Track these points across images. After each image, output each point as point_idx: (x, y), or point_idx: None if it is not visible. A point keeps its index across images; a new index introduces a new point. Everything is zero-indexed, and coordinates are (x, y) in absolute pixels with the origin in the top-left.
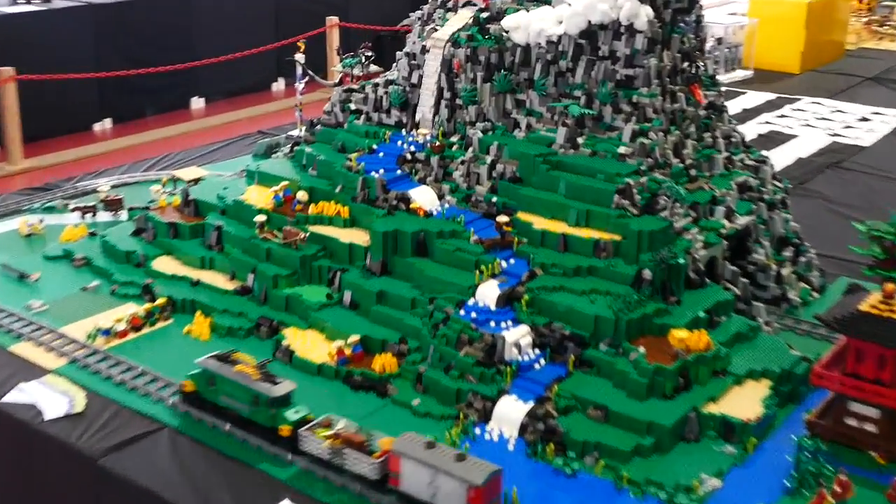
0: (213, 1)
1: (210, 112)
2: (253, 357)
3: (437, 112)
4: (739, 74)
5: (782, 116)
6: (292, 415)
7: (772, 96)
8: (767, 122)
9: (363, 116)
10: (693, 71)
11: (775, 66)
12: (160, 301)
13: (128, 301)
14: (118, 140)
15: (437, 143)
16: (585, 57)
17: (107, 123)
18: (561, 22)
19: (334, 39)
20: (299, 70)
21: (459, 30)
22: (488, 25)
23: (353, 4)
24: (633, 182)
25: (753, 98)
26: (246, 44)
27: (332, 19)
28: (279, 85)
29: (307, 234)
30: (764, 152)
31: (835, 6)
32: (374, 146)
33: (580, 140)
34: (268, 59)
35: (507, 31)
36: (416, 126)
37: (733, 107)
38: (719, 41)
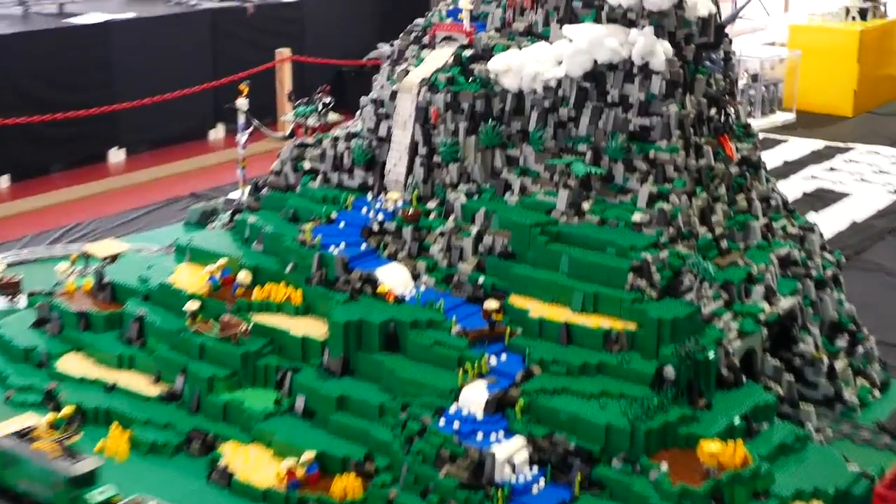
0: (136, 30)
1: (132, 167)
2: (57, 431)
3: (410, 172)
4: (779, 118)
5: (832, 170)
6: (96, 496)
7: (819, 145)
8: (814, 178)
9: (320, 177)
10: (722, 119)
11: (823, 108)
12: (66, 411)
13: (26, 410)
14: (16, 203)
15: (411, 211)
16: (591, 103)
17: (2, 182)
18: (560, 62)
19: (286, 77)
20: (241, 119)
21: (437, 71)
22: (472, 66)
23: (310, 33)
24: (651, 257)
25: (797, 147)
26: (177, 82)
27: (283, 52)
28: (217, 133)
29: (250, 326)
30: (811, 216)
31: (893, 34)
32: (334, 214)
33: (586, 206)
34: (203, 102)
35: (495, 74)
36: (385, 189)
37: (772, 159)
38: (754, 78)
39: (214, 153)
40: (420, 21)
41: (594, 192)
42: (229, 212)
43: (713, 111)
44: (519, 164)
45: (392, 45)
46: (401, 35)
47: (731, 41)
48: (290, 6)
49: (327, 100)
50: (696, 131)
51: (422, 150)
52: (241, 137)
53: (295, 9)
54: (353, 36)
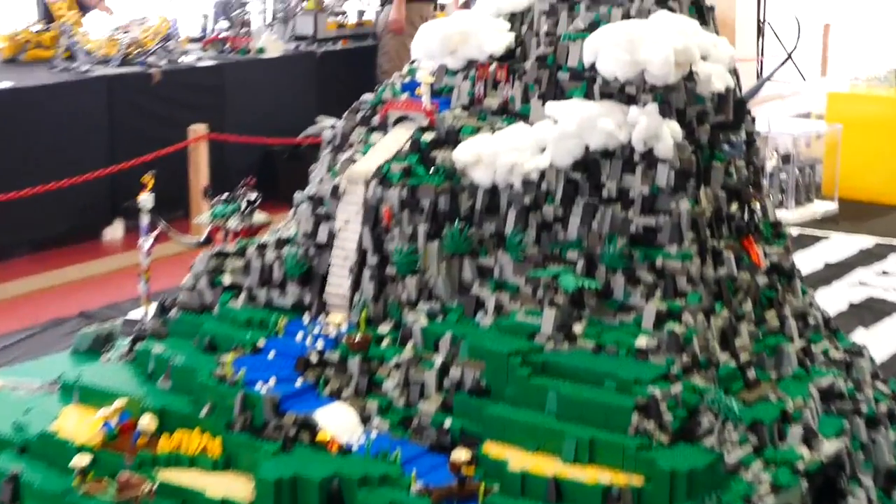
0: (11, 103)
1: (3, 276)
2: None
3: (357, 287)
4: (818, 209)
5: (885, 274)
6: None
7: (868, 242)
8: (862, 284)
9: (243, 295)
10: (746, 216)
11: (872, 195)
12: None
13: None
14: None
15: (358, 337)
16: (582, 199)
17: None
18: (544, 149)
19: (201, 160)
20: (145, 219)
21: (391, 160)
22: (434, 153)
23: (232, 104)
24: (660, 393)
25: (841, 246)
26: (64, 167)
27: (199, 128)
28: (115, 232)
29: (155, 485)
30: (859, 334)
31: None
32: (261, 342)
33: (578, 328)
34: (97, 192)
35: (462, 164)
36: (326, 309)
37: (811, 261)
38: (786, 159)
39: (110, 258)
40: (368, 97)
41: (588, 310)
42: (129, 338)
43: (734, 207)
44: (493, 277)
45: (334, 127)
46: (345, 114)
47: (754, 119)
48: (208, 70)
49: (253, 196)
50: (714, 233)
51: (371, 259)
52: (145, 242)
53: (213, 74)
54: (286, 107)
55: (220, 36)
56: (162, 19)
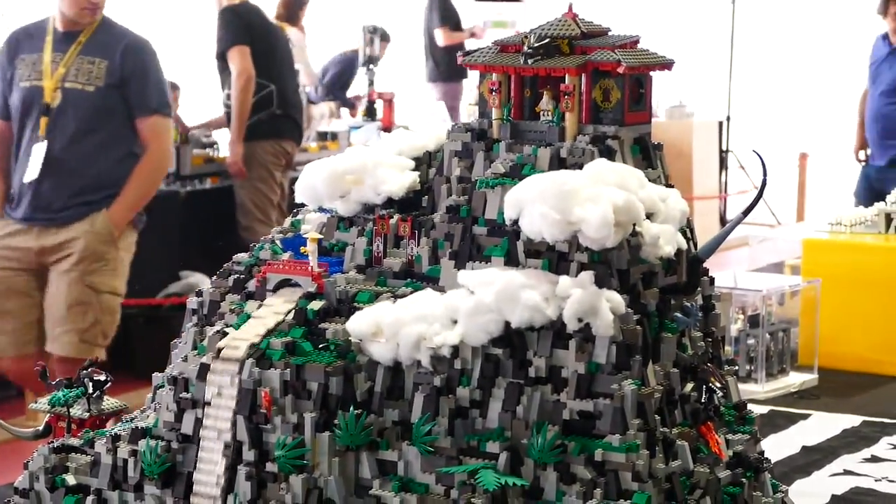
0: None
1: None
2: None
3: (230, 489)
4: (794, 381)
5: (874, 460)
6: None
7: (854, 421)
8: (848, 473)
9: (91, 499)
10: (704, 398)
11: (858, 364)
12: None
13: None
14: None
15: None
16: (505, 380)
17: None
18: (455, 321)
19: None
20: None
21: (271, 332)
22: (324, 325)
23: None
24: None
25: (821, 426)
26: None
27: None
28: None
29: None
30: None
31: None
32: None
33: None
34: None
35: (359, 338)
36: None
37: (785, 446)
38: (754, 321)
39: None
40: (243, 257)
41: None
42: None
43: (689, 387)
44: (397, 474)
45: (200, 293)
46: (213, 278)
47: (713, 280)
48: None
49: (102, 377)
50: (665, 419)
51: (248, 454)
52: None
53: None
54: (141, 260)
55: None
56: None
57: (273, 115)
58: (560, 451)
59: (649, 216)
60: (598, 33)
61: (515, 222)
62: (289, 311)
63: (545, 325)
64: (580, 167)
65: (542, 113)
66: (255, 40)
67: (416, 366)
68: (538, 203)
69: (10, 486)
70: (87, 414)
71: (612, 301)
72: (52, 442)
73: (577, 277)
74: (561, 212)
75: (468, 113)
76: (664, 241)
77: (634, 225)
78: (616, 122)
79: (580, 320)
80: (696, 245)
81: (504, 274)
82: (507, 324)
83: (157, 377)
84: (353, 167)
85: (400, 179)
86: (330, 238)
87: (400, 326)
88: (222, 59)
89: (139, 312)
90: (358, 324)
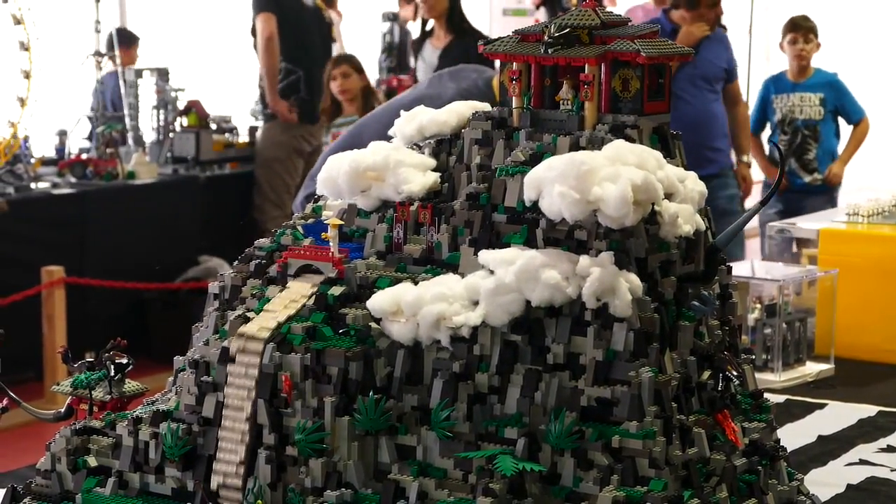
0: None
1: None
2: None
3: (251, 472)
4: (810, 370)
5: (890, 450)
6: None
7: (870, 411)
8: (863, 462)
9: (112, 480)
10: (720, 386)
11: (874, 354)
12: None
13: None
14: None
15: None
16: (523, 366)
17: None
18: (477, 303)
19: (57, 311)
20: None
21: (291, 318)
22: (344, 310)
23: (95, 241)
24: None
25: (837, 416)
26: None
27: (54, 271)
28: None
29: None
30: None
31: None
32: None
33: None
34: None
35: (378, 321)
36: (214, 498)
37: (801, 435)
38: (771, 311)
39: None
40: (264, 242)
41: (530, 499)
42: None
43: (706, 375)
44: (416, 459)
45: (222, 276)
46: (235, 263)
47: (730, 269)
48: (65, 200)
49: (124, 360)
50: (682, 407)
51: (269, 438)
52: None
53: (72, 204)
54: (161, 245)
55: (81, 157)
56: (9, 137)
57: (301, 100)
58: (577, 438)
59: (668, 196)
60: (618, 23)
61: (535, 207)
62: (309, 297)
63: (564, 308)
64: None
65: (561, 102)
66: (283, 11)
67: (436, 347)
68: (557, 183)
69: (33, 468)
70: (109, 397)
71: (630, 282)
72: (74, 424)
73: (598, 257)
74: (580, 191)
75: None
76: (683, 219)
77: (653, 205)
78: (635, 111)
79: (599, 300)
80: (713, 234)
81: (524, 253)
82: (528, 304)
83: (178, 360)
84: (375, 163)
85: (422, 180)
86: (351, 224)
87: (420, 305)
88: (253, 33)
89: (157, 297)
90: (378, 302)
